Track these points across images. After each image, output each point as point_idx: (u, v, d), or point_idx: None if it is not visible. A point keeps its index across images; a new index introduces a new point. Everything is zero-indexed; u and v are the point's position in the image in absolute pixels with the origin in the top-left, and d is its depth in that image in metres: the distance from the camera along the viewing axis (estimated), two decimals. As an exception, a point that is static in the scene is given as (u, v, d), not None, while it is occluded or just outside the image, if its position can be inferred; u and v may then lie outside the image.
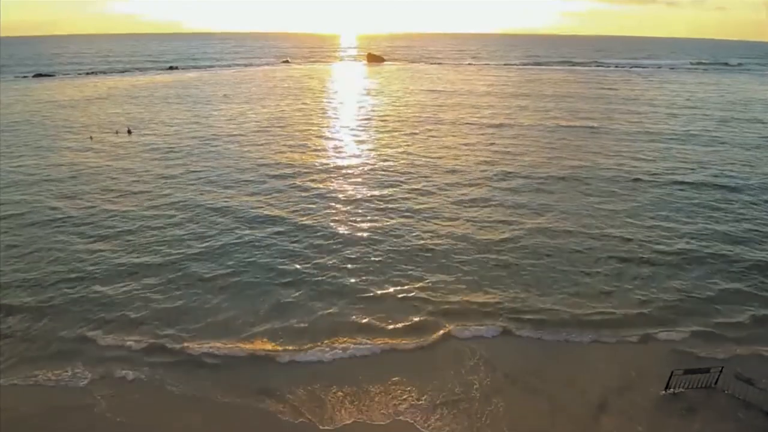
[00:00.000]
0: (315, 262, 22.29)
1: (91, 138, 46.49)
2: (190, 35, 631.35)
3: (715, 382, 15.39)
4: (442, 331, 17.53)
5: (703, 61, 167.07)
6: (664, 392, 15.24)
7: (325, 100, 70.85)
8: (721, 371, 15.40)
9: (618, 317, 18.62)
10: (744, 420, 14.45)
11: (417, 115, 57.92)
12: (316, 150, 41.35)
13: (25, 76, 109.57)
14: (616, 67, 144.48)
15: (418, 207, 28.72)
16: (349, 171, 35.55)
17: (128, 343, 17.03)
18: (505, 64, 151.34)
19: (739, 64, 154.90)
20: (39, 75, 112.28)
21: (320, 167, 36.32)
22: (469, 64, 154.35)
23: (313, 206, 28.61)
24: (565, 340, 17.44)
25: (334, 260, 22.47)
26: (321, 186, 32.15)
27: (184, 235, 25.11)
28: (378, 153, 40.48)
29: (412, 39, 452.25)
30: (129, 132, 48.72)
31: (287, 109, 61.97)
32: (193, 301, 19.46)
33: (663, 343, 17.53)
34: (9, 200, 30.08)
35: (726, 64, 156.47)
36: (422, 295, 19.77)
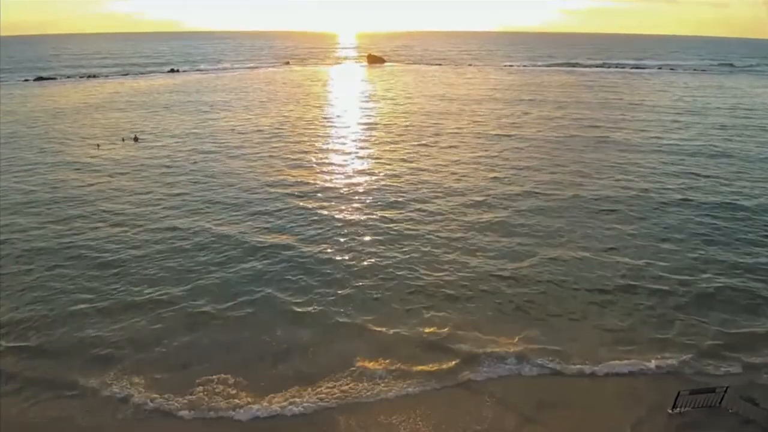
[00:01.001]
0: (319, 296, 21.48)
1: (98, 146, 47.04)
2: (188, 34, 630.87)
3: (720, 402, 15.88)
4: (455, 371, 17.30)
5: (709, 61, 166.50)
6: (671, 411, 15.74)
7: (327, 108, 70.43)
8: (725, 391, 15.90)
9: (631, 346, 18.73)
10: (747, 440, 14.99)
11: (420, 123, 57.48)
12: (320, 166, 40.81)
13: (26, 80, 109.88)
14: (617, 67, 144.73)
15: (426, 233, 27.65)
16: (354, 191, 34.80)
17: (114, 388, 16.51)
18: (505, 66, 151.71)
19: (749, 66, 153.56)
20: (40, 78, 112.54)
21: (324, 187, 35.59)
22: (469, 65, 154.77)
23: (318, 232, 27.70)
24: (579, 372, 17.48)
25: (340, 293, 21.73)
26: (326, 209, 31.10)
27: (186, 265, 24.16)
28: (383, 169, 39.78)
29: (412, 38, 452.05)
30: (135, 139, 49.20)
31: (291, 117, 61.86)
32: (195, 342, 18.76)
33: (673, 365, 17.88)
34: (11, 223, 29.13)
35: (731, 65, 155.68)
36: (434, 332, 19.33)
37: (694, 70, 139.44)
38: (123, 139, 49.48)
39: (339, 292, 21.98)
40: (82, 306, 20.96)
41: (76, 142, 48.55)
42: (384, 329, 19.44)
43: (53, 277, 23.27)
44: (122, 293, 21.93)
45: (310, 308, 20.81)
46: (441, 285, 22.54)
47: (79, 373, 17.13)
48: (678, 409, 15.72)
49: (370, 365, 17.54)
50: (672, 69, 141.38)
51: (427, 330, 19.52)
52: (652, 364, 17.85)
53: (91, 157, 43.54)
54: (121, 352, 18.22)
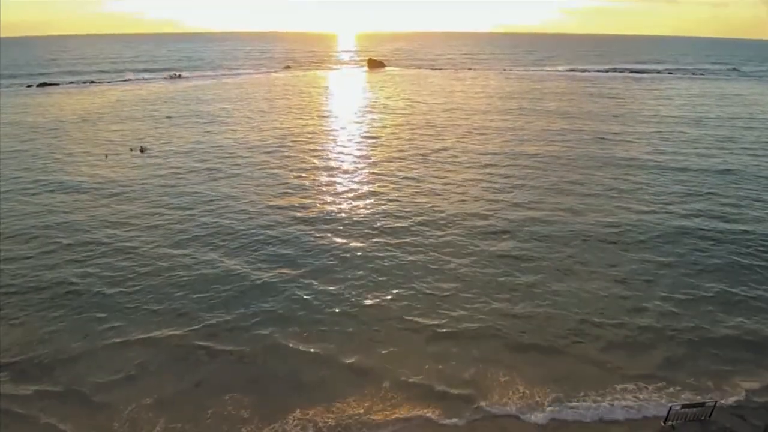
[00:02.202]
0: (326, 333, 21.42)
1: (106, 156, 48.20)
2: (187, 36, 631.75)
3: (710, 416, 16.78)
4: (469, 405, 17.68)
5: (712, 66, 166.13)
6: (663, 424, 16.64)
7: (330, 120, 69.29)
8: (714, 405, 16.81)
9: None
10: (735, 451, 15.88)
11: (424, 138, 56.25)
12: (324, 188, 39.76)
13: (29, 86, 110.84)
14: (620, 72, 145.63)
15: (430, 263, 27.14)
16: (361, 218, 33.51)
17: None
18: (506, 70, 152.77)
19: (759, 71, 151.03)
20: (44, 84, 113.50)
21: (330, 213, 34.51)
22: (469, 69, 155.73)
23: (325, 265, 27.11)
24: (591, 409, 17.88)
25: (349, 332, 21.60)
26: (333, 239, 30.32)
27: (190, 307, 23.46)
28: (386, 189, 38.82)
29: (411, 40, 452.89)
30: (142, 150, 50.18)
31: (293, 131, 60.58)
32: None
33: (668, 382, 18.83)
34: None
35: (736, 69, 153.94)
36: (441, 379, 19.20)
37: (693, 74, 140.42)
38: (131, 149, 50.52)
39: (347, 329, 21.85)
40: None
41: (80, 155, 49.28)
42: (396, 375, 19.22)
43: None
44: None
45: (314, 345, 20.78)
46: (458, 326, 22.13)
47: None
48: (670, 422, 16.63)
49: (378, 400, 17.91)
50: (671, 73, 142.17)
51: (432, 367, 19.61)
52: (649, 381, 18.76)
53: (98, 168, 44.47)
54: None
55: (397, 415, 17.24)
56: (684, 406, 16.68)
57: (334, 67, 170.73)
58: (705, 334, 21.65)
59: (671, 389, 18.38)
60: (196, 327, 21.74)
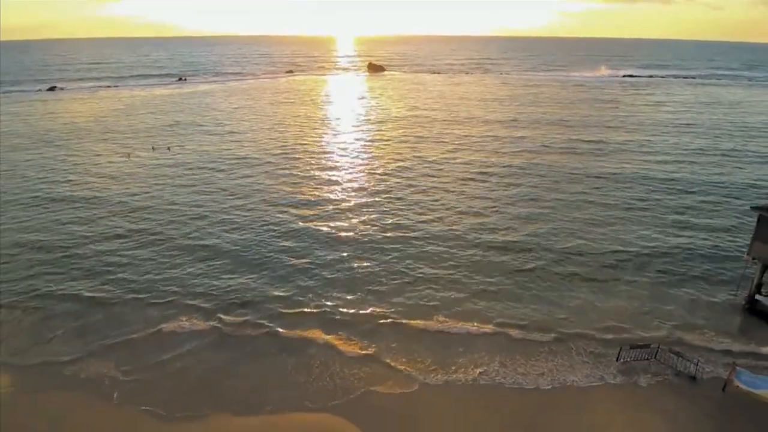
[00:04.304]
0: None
1: (128, 155, 51.99)
2: (188, 39, 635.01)
3: (655, 356, 20.39)
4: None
5: (714, 70, 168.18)
6: (616, 362, 20.25)
7: (334, 129, 68.91)
8: (659, 347, 20.45)
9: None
10: (674, 382, 19.49)
11: (429, 153, 54.85)
12: (329, 203, 39.39)
13: (39, 90, 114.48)
14: (622, 77, 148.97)
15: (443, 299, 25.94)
16: (365, 238, 32.84)
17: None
18: (501, 74, 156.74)
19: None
20: (53, 88, 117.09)
21: (335, 230, 34.22)
22: (467, 73, 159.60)
23: (329, 296, 26.20)
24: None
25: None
26: (340, 256, 30.34)
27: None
28: (391, 207, 38.47)
29: (409, 43, 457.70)
30: (153, 149, 54.44)
31: (301, 140, 60.86)
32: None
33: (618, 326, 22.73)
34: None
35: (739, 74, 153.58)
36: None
37: (692, 78, 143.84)
38: (153, 148, 54.51)
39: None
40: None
41: (105, 154, 53.06)
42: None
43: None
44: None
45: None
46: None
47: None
48: (621, 360, 20.24)
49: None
50: (677, 77, 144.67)
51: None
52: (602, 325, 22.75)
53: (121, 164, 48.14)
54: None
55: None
56: (632, 347, 20.33)
57: (336, 71, 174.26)
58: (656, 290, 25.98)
59: (624, 335, 22.26)
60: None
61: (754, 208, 24.22)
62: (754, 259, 23.99)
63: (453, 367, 20.30)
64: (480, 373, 19.98)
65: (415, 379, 19.66)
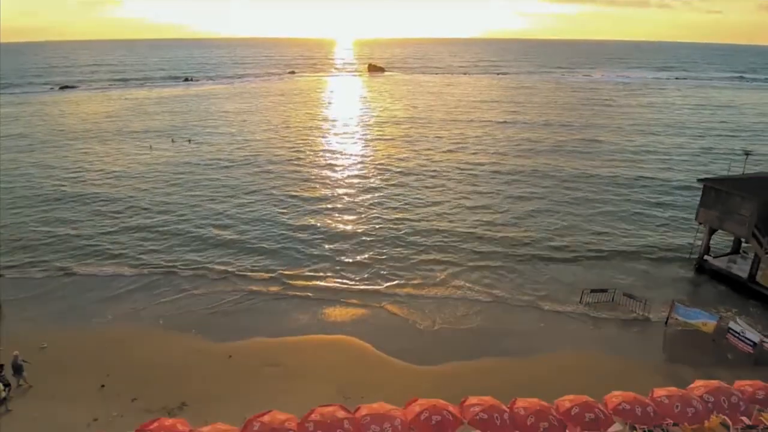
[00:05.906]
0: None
1: (150, 147, 56.23)
2: (193, 41, 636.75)
3: (612, 299, 24.62)
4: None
5: (719, 73, 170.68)
6: (579, 304, 24.47)
7: (338, 131, 70.23)
8: (615, 291, 24.70)
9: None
10: (627, 321, 23.63)
11: (427, 149, 57.97)
12: (335, 209, 39.82)
13: (51, 88, 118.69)
14: (624, 78, 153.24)
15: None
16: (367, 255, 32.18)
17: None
18: (499, 74, 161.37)
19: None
20: (65, 87, 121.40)
21: (338, 234, 34.94)
22: (464, 74, 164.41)
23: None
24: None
25: None
26: (345, 265, 30.56)
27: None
28: (393, 213, 38.88)
29: (405, 45, 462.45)
30: (189, 141, 58.96)
31: (307, 143, 62.11)
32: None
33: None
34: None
35: (742, 77, 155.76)
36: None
37: (690, 81, 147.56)
38: (173, 140, 59.04)
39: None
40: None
41: (129, 145, 57.22)
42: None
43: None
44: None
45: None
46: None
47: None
48: (584, 303, 24.46)
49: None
50: (680, 79, 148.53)
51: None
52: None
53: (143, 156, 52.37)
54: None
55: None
56: (593, 291, 24.58)
57: (336, 72, 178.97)
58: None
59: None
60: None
61: (700, 180, 28.44)
62: (701, 223, 28.22)
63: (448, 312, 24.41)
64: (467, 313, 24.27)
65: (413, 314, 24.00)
